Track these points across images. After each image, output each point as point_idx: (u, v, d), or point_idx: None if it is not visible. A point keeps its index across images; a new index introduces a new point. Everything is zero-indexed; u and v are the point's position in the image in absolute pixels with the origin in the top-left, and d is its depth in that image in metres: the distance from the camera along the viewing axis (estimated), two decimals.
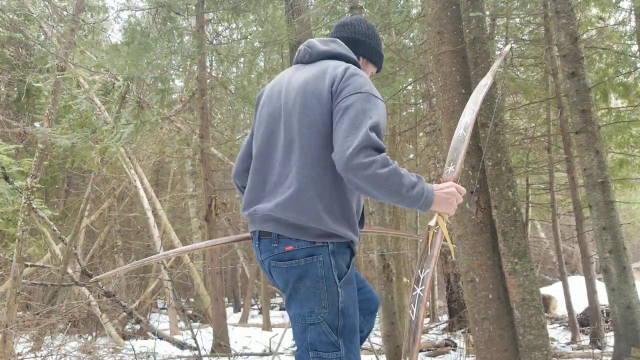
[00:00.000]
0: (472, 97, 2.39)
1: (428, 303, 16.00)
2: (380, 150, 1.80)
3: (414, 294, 1.87)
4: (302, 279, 1.92)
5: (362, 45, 2.23)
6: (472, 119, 2.24)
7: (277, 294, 23.38)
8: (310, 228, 1.89)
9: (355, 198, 2.03)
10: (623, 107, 9.08)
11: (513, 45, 4.09)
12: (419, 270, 1.92)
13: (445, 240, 2.00)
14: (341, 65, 2.02)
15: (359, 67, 2.13)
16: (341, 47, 2.16)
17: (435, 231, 1.98)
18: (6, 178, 8.43)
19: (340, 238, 1.94)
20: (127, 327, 11.06)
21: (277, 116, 2.06)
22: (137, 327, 10.44)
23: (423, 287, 1.85)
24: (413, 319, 1.83)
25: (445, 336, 9.28)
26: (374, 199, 2.00)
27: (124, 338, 9.81)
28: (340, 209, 1.94)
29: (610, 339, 7.03)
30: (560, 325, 10.01)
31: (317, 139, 1.92)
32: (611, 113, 8.85)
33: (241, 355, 7.78)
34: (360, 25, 2.24)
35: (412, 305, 1.86)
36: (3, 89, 14.86)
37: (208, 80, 9.16)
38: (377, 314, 2.42)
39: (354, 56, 2.16)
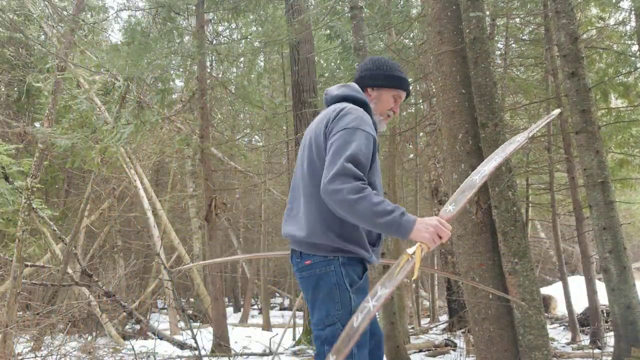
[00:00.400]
0: (501, 148, 2.34)
1: (428, 303, 16.01)
2: (356, 178, 2.03)
3: (365, 304, 1.91)
4: (319, 287, 2.21)
5: (366, 78, 2.44)
6: (492, 170, 2.24)
7: (277, 294, 23.40)
8: (322, 244, 2.20)
9: None
10: (623, 107, 9.07)
11: (561, 109, 4.08)
12: (379, 286, 1.94)
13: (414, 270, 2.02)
14: (339, 107, 2.28)
15: (363, 104, 2.36)
16: (349, 90, 2.41)
17: (410, 259, 2.00)
18: (6, 178, 8.42)
19: (349, 253, 2.21)
20: (127, 327, 11.07)
21: (300, 155, 2.42)
22: (137, 327, 10.44)
23: (376, 303, 1.90)
24: (355, 326, 1.90)
25: (445, 336, 9.28)
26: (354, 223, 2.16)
27: (124, 338, 9.81)
28: (345, 229, 2.20)
29: (610, 339, 7.02)
30: (560, 325, 10.02)
31: (317, 174, 2.21)
32: (611, 113, 8.85)
33: (241, 355, 7.78)
34: (365, 63, 2.50)
35: (359, 313, 1.91)
36: (3, 89, 14.86)
37: (208, 80, 9.17)
38: (377, 314, 2.49)
39: (360, 95, 2.38)
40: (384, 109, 2.42)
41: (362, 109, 2.29)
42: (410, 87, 2.51)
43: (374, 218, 1.99)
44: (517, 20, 9.22)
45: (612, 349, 5.34)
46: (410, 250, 2.01)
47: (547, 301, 11.17)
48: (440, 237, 2.00)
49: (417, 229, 1.99)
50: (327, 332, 2.18)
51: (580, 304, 9.24)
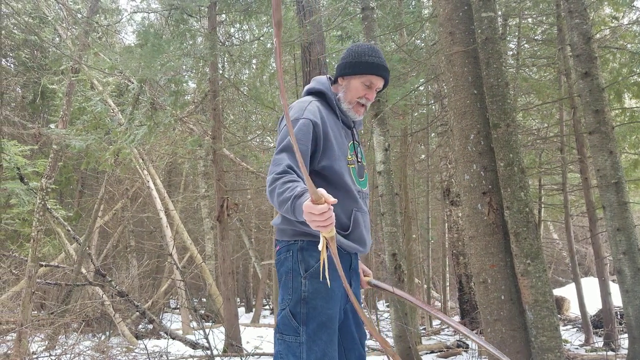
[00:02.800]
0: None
1: (439, 304, 15.94)
2: (276, 166, 2.06)
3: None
4: (279, 272, 2.25)
5: (339, 68, 2.41)
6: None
7: None
8: (286, 229, 2.23)
9: (342, 206, 2.23)
10: (637, 107, 8.99)
11: None
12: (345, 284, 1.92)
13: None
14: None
15: (320, 94, 2.39)
16: (313, 83, 2.46)
17: (327, 254, 1.88)
18: (21, 179, 8.53)
19: (310, 236, 2.17)
20: (140, 326, 11.15)
21: None
22: (150, 326, 10.51)
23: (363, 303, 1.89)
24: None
25: (457, 337, 9.25)
26: None
27: (137, 337, 9.88)
28: None
29: (624, 340, 6.97)
30: (574, 327, 9.93)
31: None
32: (625, 113, 8.77)
33: (253, 355, 7.81)
34: (343, 53, 2.48)
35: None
36: (19, 91, 15.04)
37: (220, 82, 9.21)
38: (389, 314, 2.49)
39: (318, 86, 2.42)
40: (354, 97, 2.35)
41: (311, 99, 2.33)
42: (386, 73, 2.37)
43: (281, 208, 1.97)
44: (530, 20, 9.17)
45: (626, 351, 5.30)
46: (320, 247, 1.85)
47: (560, 303, 11.09)
48: (321, 222, 1.77)
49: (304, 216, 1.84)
50: (279, 319, 2.18)
51: (594, 305, 9.16)
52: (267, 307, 21.59)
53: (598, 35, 8.24)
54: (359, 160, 2.41)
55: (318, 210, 1.75)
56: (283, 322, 2.15)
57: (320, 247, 1.84)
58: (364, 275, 2.53)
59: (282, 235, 2.26)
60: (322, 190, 1.77)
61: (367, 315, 2.02)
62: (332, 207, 1.77)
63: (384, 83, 2.40)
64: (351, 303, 2.30)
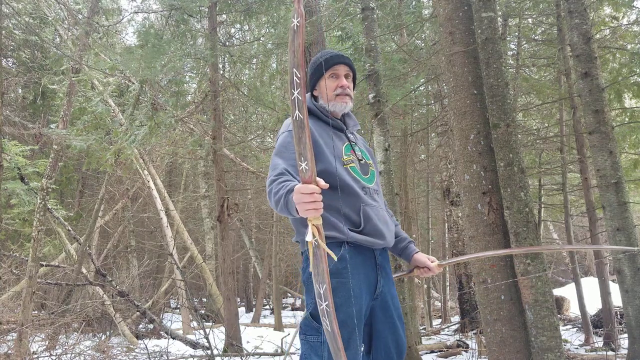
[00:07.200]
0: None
1: (439, 304, 15.95)
2: (272, 171, 2.15)
3: (320, 308, 1.84)
4: (303, 280, 2.30)
5: (309, 87, 2.51)
6: (302, 86, 1.69)
7: (289, 295, 23.45)
8: (303, 240, 2.25)
9: (348, 204, 2.27)
10: (637, 107, 8.99)
11: None
12: (316, 285, 1.84)
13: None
14: None
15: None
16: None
17: (315, 244, 1.82)
18: (22, 179, 8.55)
19: (328, 239, 2.19)
20: (141, 326, 11.16)
21: None
22: (151, 326, 10.52)
23: (327, 302, 1.82)
24: (329, 330, 1.83)
25: (457, 337, 9.26)
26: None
27: (137, 337, 9.89)
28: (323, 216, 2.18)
29: (624, 340, 6.97)
30: (574, 327, 9.95)
31: None
32: (625, 113, 8.77)
33: (253, 355, 7.82)
34: None
35: (323, 318, 1.84)
36: (20, 91, 15.05)
37: (221, 82, 9.21)
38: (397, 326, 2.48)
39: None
40: (330, 93, 2.41)
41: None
42: (343, 58, 2.42)
43: (276, 207, 2.04)
44: (530, 20, 9.18)
45: (626, 351, 5.31)
46: (308, 238, 1.83)
47: (560, 302, 11.09)
48: (309, 203, 1.80)
49: (296, 204, 1.87)
50: (302, 320, 2.26)
51: (594, 305, 9.17)
52: (267, 307, 21.61)
53: (598, 35, 8.25)
54: (360, 158, 2.44)
55: (308, 189, 1.79)
56: (305, 323, 2.23)
57: (308, 237, 1.83)
58: (431, 261, 2.58)
59: (303, 246, 2.32)
60: (318, 179, 1.83)
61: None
62: (321, 195, 1.82)
63: (350, 68, 2.46)
64: (379, 300, 2.34)
